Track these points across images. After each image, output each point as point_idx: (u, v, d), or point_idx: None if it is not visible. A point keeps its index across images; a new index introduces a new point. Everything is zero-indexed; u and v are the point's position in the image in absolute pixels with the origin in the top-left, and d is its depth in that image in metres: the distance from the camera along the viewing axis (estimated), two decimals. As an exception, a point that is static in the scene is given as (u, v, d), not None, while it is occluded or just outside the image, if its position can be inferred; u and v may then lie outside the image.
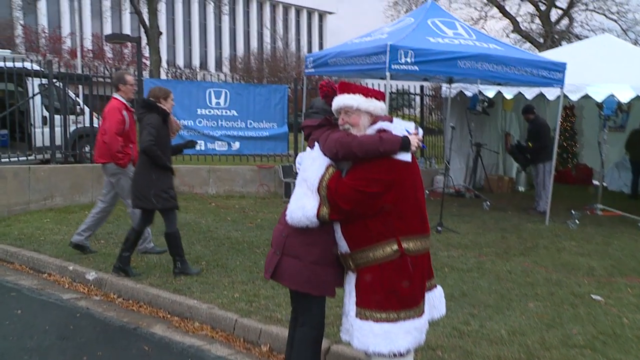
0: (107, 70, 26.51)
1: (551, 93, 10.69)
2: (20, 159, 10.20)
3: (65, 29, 41.96)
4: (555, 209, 10.02)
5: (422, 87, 14.49)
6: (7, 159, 10.04)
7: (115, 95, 6.74)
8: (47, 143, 10.39)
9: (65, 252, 6.80)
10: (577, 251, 7.74)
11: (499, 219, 9.86)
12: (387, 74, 8.63)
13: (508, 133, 14.22)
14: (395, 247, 3.13)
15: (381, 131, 3.17)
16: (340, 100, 3.21)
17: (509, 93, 11.91)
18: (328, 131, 3.27)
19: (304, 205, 3.12)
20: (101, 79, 11.02)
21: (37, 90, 10.97)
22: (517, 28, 24.90)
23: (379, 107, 3.23)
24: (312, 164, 3.17)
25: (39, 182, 9.27)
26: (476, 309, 5.23)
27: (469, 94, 12.38)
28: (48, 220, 8.52)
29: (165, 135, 6.02)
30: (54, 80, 10.31)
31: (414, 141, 3.12)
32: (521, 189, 13.88)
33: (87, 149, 12.74)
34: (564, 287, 6.02)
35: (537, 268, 6.78)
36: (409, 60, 8.61)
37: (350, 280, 3.27)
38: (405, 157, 3.11)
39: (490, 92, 11.91)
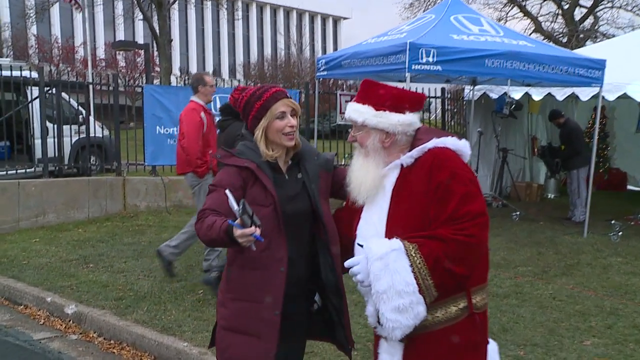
0: (120, 78, 26.02)
1: (585, 93, 9.79)
2: (9, 172, 9.51)
3: (78, 39, 41.66)
4: (592, 218, 9.09)
5: (443, 90, 13.62)
6: (5, 172, 9.42)
7: (193, 98, 6.07)
8: (49, 154, 9.80)
9: (47, 279, 6.04)
10: (626, 270, 6.82)
11: (531, 232, 8.96)
12: (407, 75, 7.83)
13: (535, 137, 13.32)
14: (462, 304, 2.25)
15: (430, 154, 2.28)
16: (347, 110, 2.43)
17: (537, 94, 11.01)
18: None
19: (413, 324, 2.16)
20: (100, 87, 10.33)
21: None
22: (539, 28, 23.95)
23: (397, 122, 2.32)
24: (384, 267, 2.15)
25: (29, 197, 8.55)
26: (522, 350, 4.36)
27: (493, 96, 11.53)
28: (37, 240, 7.78)
29: None
30: (47, 88, 9.60)
31: (241, 237, 2.20)
32: (551, 196, 12.91)
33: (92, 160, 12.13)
34: (622, 318, 5.12)
35: (585, 292, 5.89)
36: (430, 59, 7.81)
37: (394, 351, 2.31)
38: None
39: (516, 93, 11.04)
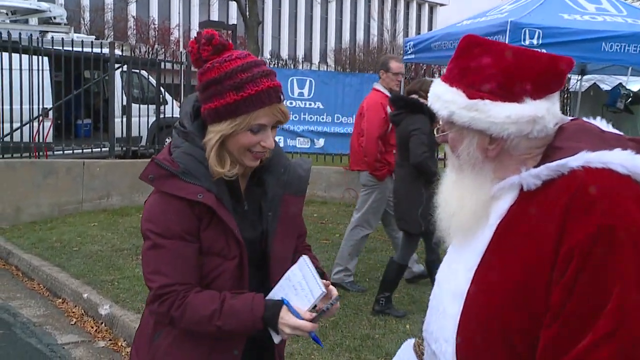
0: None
1: None
2: (74, 151, 9.31)
3: (174, 20, 42.59)
4: None
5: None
6: (82, 150, 9.36)
7: (377, 85, 5.33)
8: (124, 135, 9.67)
9: (92, 271, 5.57)
10: None
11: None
12: (506, 58, 6.76)
13: (651, 136, 11.77)
14: None
15: (572, 180, 1.21)
16: (430, 93, 1.42)
17: (661, 86, 9.59)
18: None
19: None
20: (173, 65, 9.89)
21: (117, 77, 10.04)
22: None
23: (506, 118, 1.27)
24: None
25: (93, 178, 8.21)
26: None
27: (605, 87, 10.17)
28: (95, 225, 7.41)
29: (434, 144, 4.56)
30: (117, 65, 9.25)
31: (292, 328, 1.53)
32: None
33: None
34: None
35: None
36: (535, 42, 6.73)
37: None
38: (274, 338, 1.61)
39: (634, 84, 9.66)
